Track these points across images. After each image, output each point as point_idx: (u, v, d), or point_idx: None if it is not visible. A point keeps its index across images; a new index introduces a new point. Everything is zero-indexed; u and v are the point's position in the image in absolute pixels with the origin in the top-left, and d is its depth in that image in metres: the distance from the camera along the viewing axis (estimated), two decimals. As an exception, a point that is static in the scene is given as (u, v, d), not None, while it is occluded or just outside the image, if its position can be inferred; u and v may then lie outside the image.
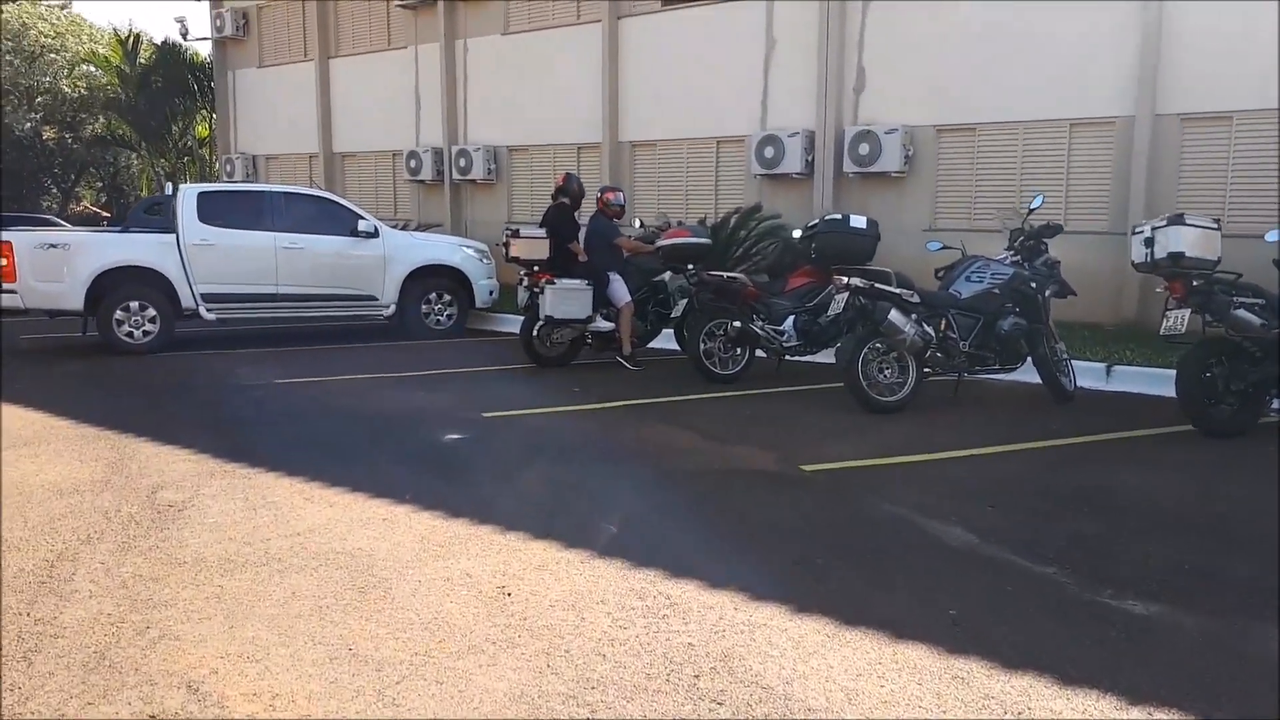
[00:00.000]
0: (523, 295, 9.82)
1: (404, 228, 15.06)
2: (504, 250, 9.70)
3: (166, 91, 22.46)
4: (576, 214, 9.95)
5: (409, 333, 11.85)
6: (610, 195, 9.81)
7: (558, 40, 15.87)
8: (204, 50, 23.75)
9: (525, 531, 4.70)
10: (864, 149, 12.31)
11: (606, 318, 9.75)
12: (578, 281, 9.44)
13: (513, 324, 11.36)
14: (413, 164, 17.65)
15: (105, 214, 33.48)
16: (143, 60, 23.54)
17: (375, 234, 11.56)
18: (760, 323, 8.78)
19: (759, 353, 8.88)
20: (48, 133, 32.48)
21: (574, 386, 8.70)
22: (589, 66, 15.31)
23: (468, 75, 17.22)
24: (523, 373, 9.53)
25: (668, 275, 9.95)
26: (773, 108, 13.48)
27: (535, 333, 9.71)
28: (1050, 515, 5.08)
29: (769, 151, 13.08)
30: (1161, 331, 6.85)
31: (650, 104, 14.83)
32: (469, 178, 16.93)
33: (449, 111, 17.35)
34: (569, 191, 9.81)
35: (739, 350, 8.81)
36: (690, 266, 8.67)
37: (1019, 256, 7.88)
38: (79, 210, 35.61)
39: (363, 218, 11.62)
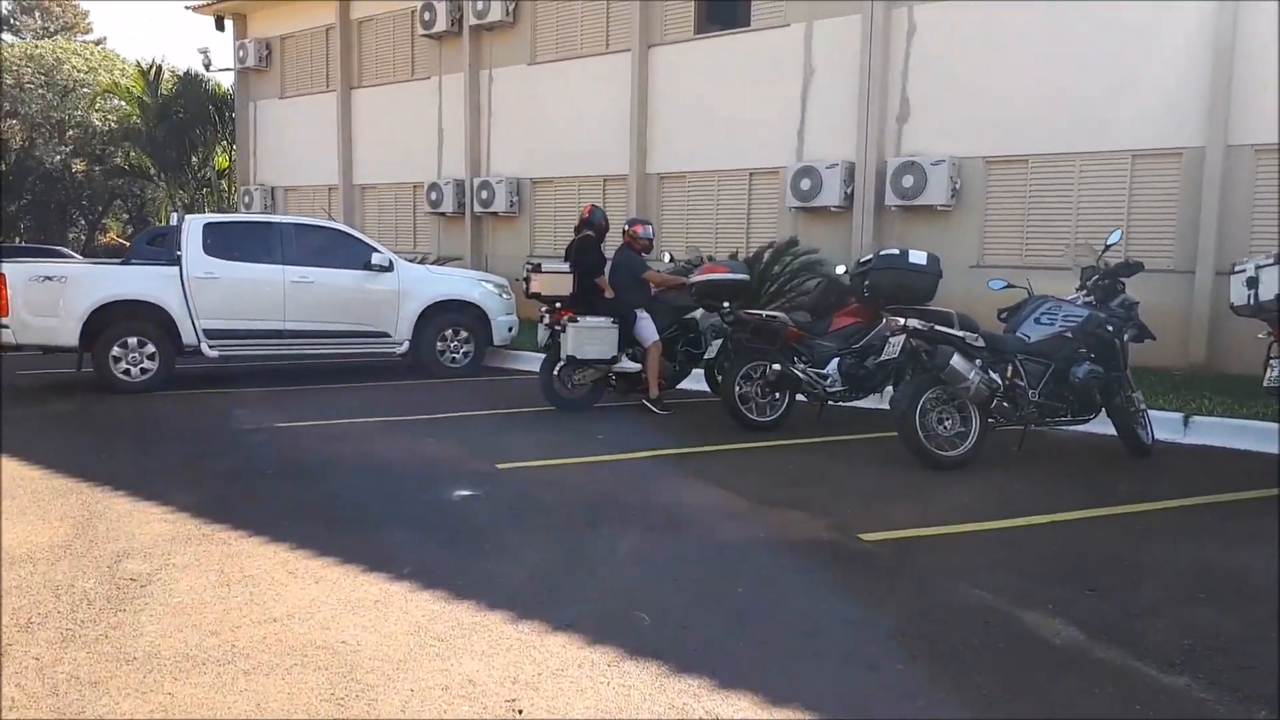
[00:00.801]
0: (543, 333, 9.13)
1: (422, 261, 14.52)
2: (525, 285, 9.03)
3: (187, 122, 22.12)
4: (602, 247, 9.27)
5: (424, 371, 11.18)
6: (639, 228, 9.14)
7: (585, 70, 15.34)
8: (226, 81, 23.48)
9: (541, 621, 3.96)
10: (908, 181, 11.62)
11: (633, 358, 9.05)
12: (602, 319, 8.74)
13: (533, 362, 10.67)
14: (434, 196, 17.12)
15: (129, 245, 33.27)
16: (165, 91, 23.25)
17: (390, 268, 10.93)
18: (802, 365, 8.04)
19: (799, 397, 8.13)
20: (77, 165, 32.39)
21: (597, 434, 7.98)
22: (617, 96, 14.74)
23: (492, 106, 16.72)
24: (542, 417, 8.82)
25: (699, 313, 9.24)
26: (810, 138, 12.82)
27: (556, 373, 9.02)
28: (1162, 604, 4.28)
29: (805, 183, 12.41)
30: (1266, 383, 6.07)
31: (680, 135, 14.22)
32: (491, 210, 16.36)
33: (472, 143, 16.83)
34: (593, 224, 9.14)
35: (778, 395, 8.07)
36: (726, 304, 7.96)
37: (1092, 297, 7.12)
38: (105, 242, 35.47)
39: (376, 250, 11.00)
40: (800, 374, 7.91)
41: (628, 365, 8.95)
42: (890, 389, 8.32)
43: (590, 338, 8.67)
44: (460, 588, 4.33)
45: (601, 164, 15.11)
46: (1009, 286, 7.34)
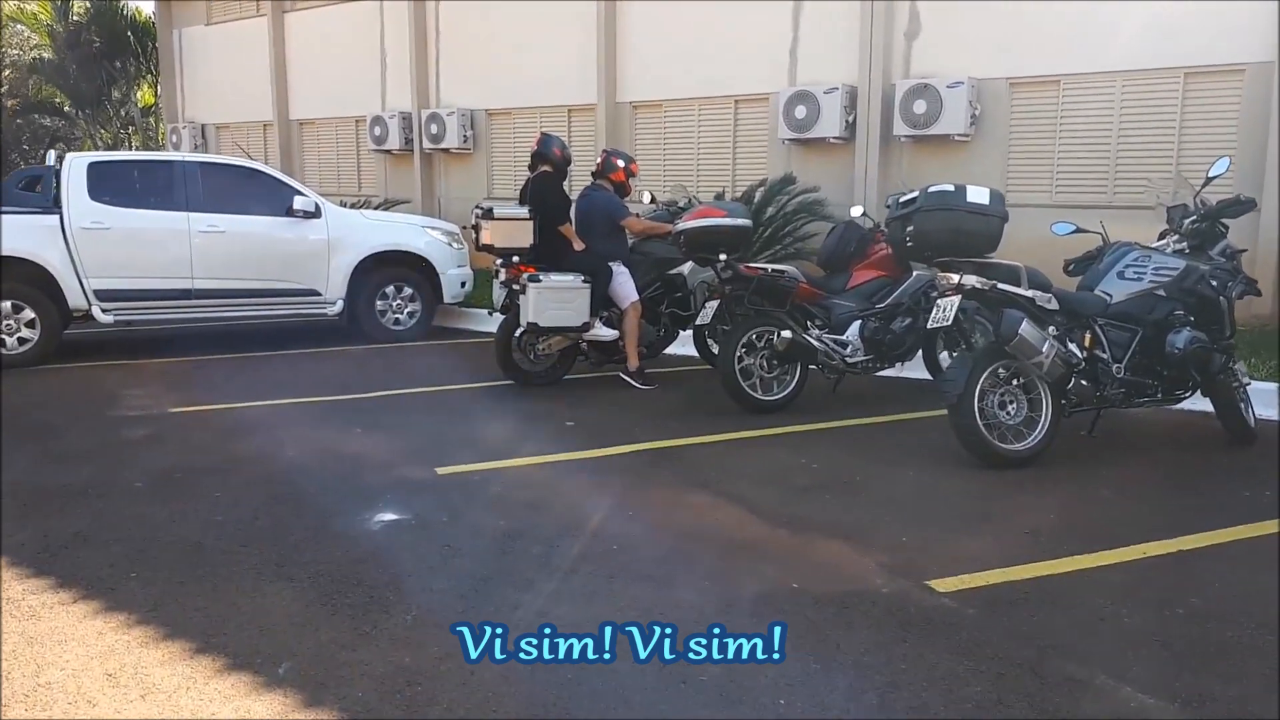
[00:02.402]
0: (499, 294, 7.55)
1: (363, 206, 12.81)
2: (474, 235, 7.43)
3: (103, 52, 19.94)
4: (565, 185, 7.66)
5: (362, 335, 9.58)
6: (634, 166, 7.57)
7: (544, -16, 13.51)
8: (147, 8, 21.24)
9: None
10: (920, 107, 10.04)
11: (608, 322, 7.51)
12: (570, 277, 7.17)
13: (490, 323, 9.09)
14: (377, 131, 15.31)
15: None
16: (76, 17, 20.99)
17: (317, 213, 9.26)
18: (816, 331, 6.54)
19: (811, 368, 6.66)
20: (11, 104, 29.84)
21: (566, 419, 6.46)
22: (582, 13, 12.93)
23: (440, 27, 14.84)
24: (500, 394, 7.28)
25: (688, 267, 7.69)
26: (804, 59, 11.16)
27: (515, 341, 7.47)
28: None
29: (800, 111, 10.79)
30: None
31: (655, 57, 12.49)
32: (441, 146, 14.60)
33: (419, 70, 14.99)
34: (548, 157, 7.48)
35: (787, 368, 6.58)
36: (722, 257, 6.41)
37: (1186, 244, 5.65)
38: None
39: (300, 193, 9.32)
40: (815, 342, 6.42)
41: (602, 332, 7.40)
42: (921, 355, 6.89)
43: (555, 300, 7.10)
44: (362, 703, 2.83)
45: (565, 92, 13.37)
46: (1078, 231, 5.85)
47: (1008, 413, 5.30)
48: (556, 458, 5.53)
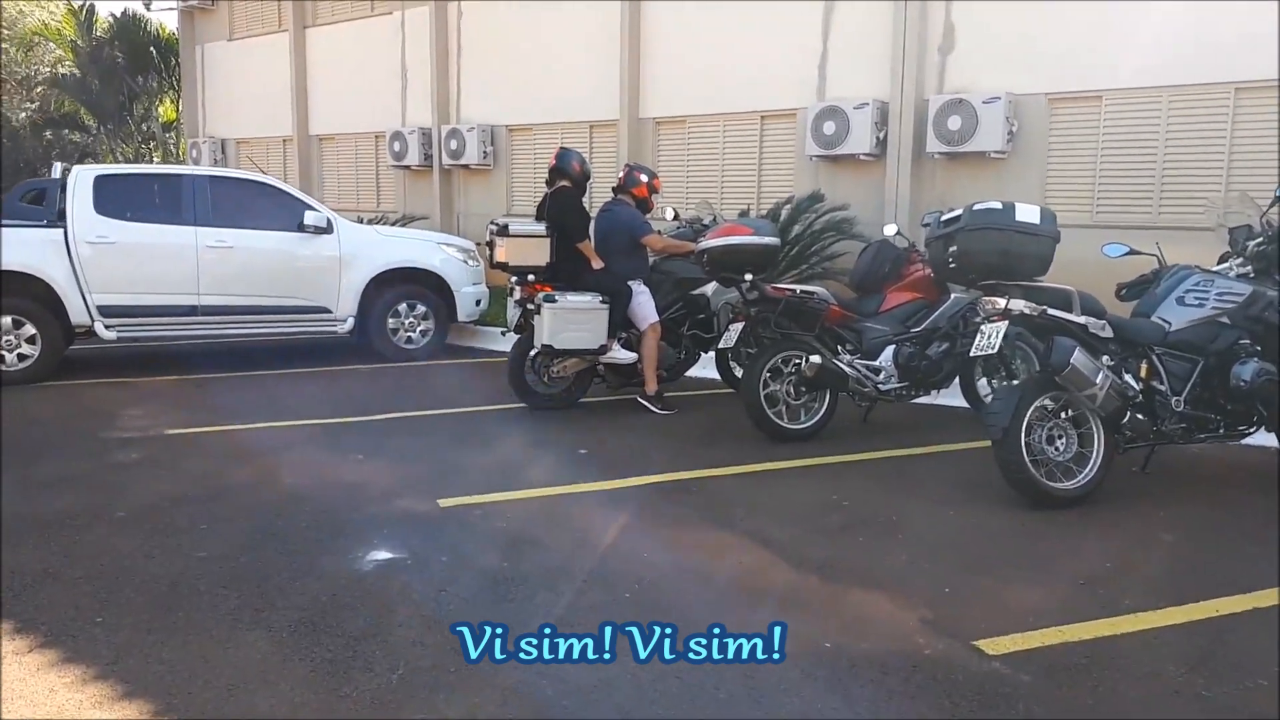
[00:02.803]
0: (513, 312, 7.21)
1: (380, 222, 12.57)
2: (488, 252, 7.10)
3: (126, 67, 19.88)
4: (585, 201, 7.32)
5: (373, 354, 9.26)
6: (656, 181, 7.25)
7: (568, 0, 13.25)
8: (170, 23, 21.23)
9: None
10: (954, 123, 9.64)
11: (626, 345, 7.14)
12: (588, 297, 6.82)
13: (504, 342, 8.72)
14: (397, 147, 15.06)
15: None
16: (99, 33, 20.97)
17: (328, 229, 8.97)
18: (848, 356, 6.15)
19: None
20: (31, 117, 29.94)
21: (579, 446, 6.09)
22: (606, 30, 12.64)
23: (461, 43, 14.60)
24: (511, 419, 6.92)
25: (712, 287, 7.33)
26: (834, 75, 10.80)
27: (529, 363, 7.12)
28: None
29: (829, 127, 10.42)
30: None
31: (679, 73, 12.17)
32: (461, 163, 14.32)
33: (439, 85, 14.74)
34: (567, 171, 7.14)
35: (815, 395, 6.18)
36: (748, 277, 6.03)
37: (1251, 267, 5.22)
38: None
39: (312, 208, 9.03)
40: (846, 367, 6.02)
41: (620, 355, 7.04)
42: (958, 382, 6.48)
43: (572, 321, 6.75)
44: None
45: (588, 108, 13.06)
46: (1132, 253, 5.44)
47: (1056, 448, 4.88)
48: (568, 489, 5.16)
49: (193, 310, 8.61)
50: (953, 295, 6.33)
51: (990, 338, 4.80)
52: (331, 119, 16.92)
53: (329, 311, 9.05)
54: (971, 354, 4.90)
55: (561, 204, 7.05)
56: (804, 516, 4.72)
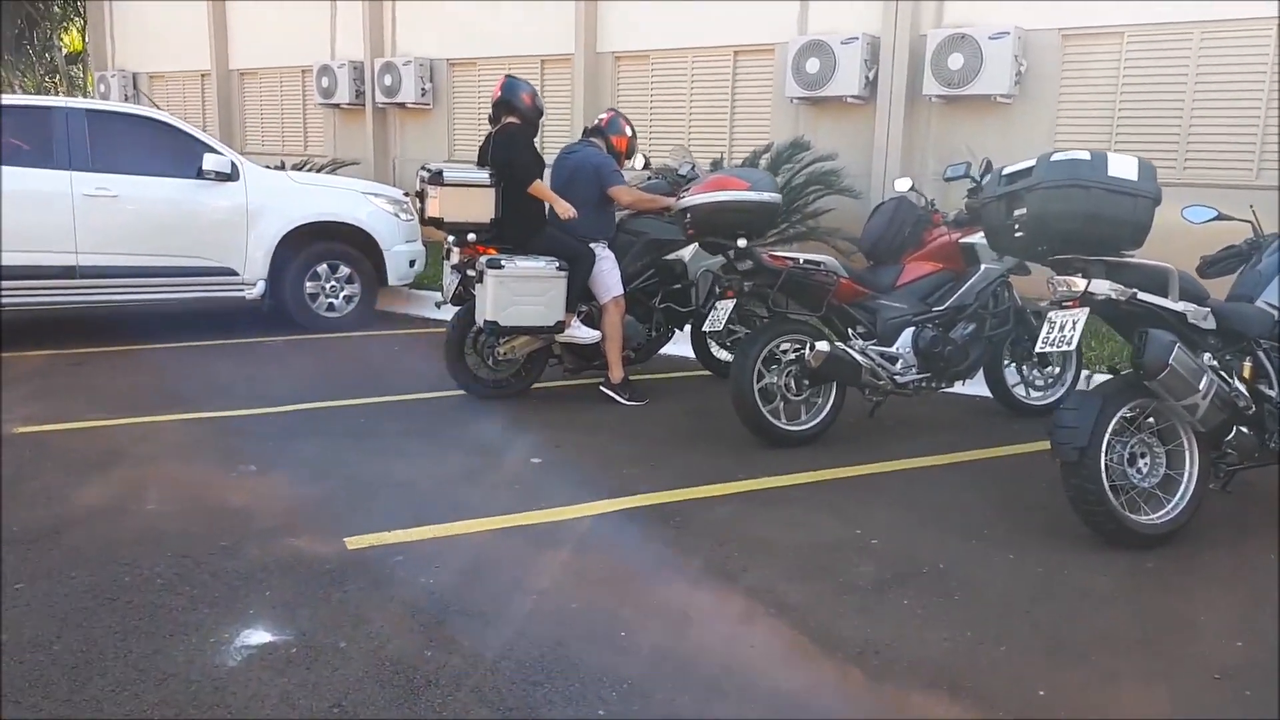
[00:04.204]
0: (450, 281, 5.99)
1: (303, 168, 11.17)
2: (418, 204, 5.87)
3: (23, -10, 17.97)
4: (538, 141, 6.08)
5: (288, 322, 7.96)
6: (638, 141, 6.08)
7: (515, -85, 11.79)
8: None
9: None
10: (955, 61, 8.51)
11: (588, 320, 5.98)
12: (541, 262, 5.62)
13: (446, 309, 7.49)
14: (325, 83, 13.56)
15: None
16: (-7, -50, 18.92)
17: (233, 175, 7.60)
18: (860, 342, 5.03)
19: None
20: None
21: (530, 453, 4.92)
22: (557, -50, 11.27)
23: (397, -34, 13.11)
24: (447, 412, 5.74)
25: (688, 251, 6.15)
26: (818, 5, 9.57)
27: (470, 342, 5.92)
28: None
29: (813, 65, 9.23)
30: None
31: (642, 1, 10.83)
32: (397, 100, 12.88)
33: (372, 14, 13.22)
34: (514, 105, 5.88)
35: (819, 389, 5.08)
36: (741, 242, 4.86)
37: (1372, 237, 4.18)
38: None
39: (213, 150, 7.65)
40: (858, 355, 4.90)
41: (580, 333, 5.87)
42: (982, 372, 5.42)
43: (522, 293, 5.55)
44: None
45: (539, 41, 11.69)
46: (1220, 218, 4.36)
47: (1138, 469, 3.84)
48: (514, 520, 4.00)
49: (69, 272, 7.23)
50: (983, 266, 5.24)
51: (1065, 329, 3.70)
52: (254, 52, 15.32)
53: (234, 273, 7.71)
54: (1039, 350, 3.80)
55: (507, 143, 5.79)
56: (823, 564, 3.62)
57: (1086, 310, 3.68)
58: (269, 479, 4.47)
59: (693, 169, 6.38)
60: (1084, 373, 5.83)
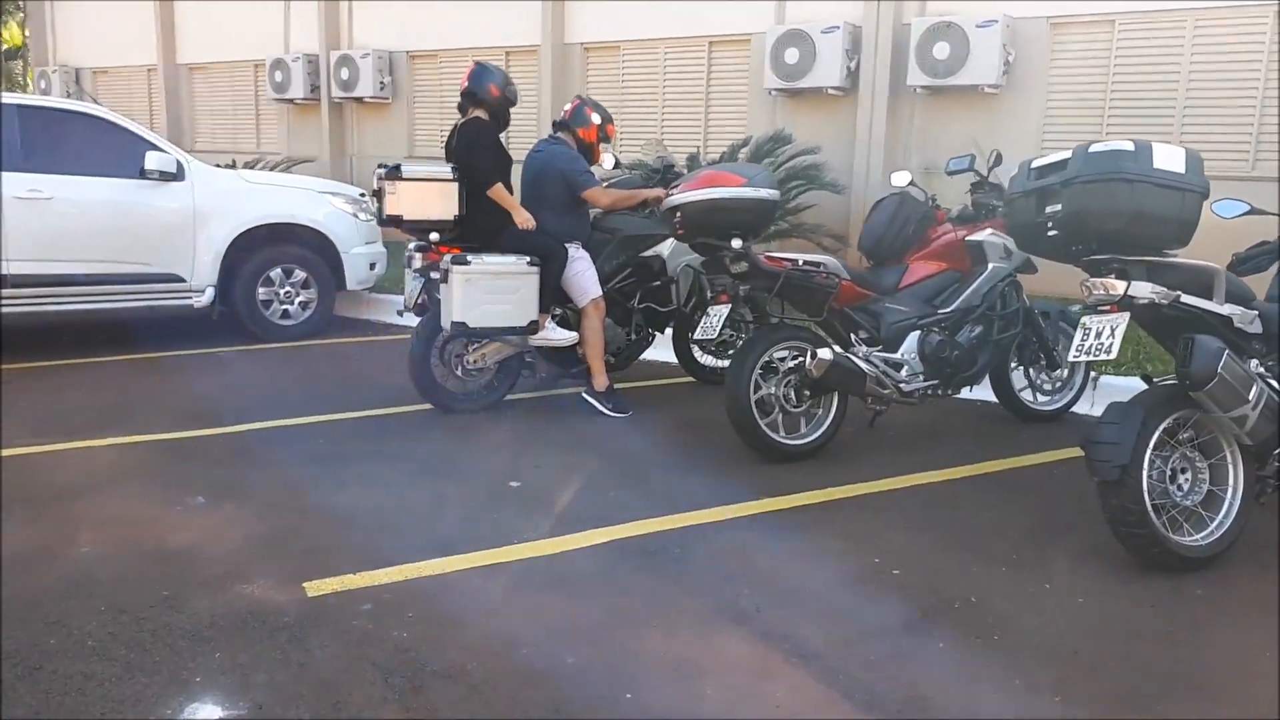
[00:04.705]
0: (412, 287, 5.56)
1: (255, 167, 10.64)
2: (376, 203, 5.43)
3: (-43, -18, 17.15)
4: (505, 136, 5.65)
5: (239, 332, 7.47)
6: (610, 128, 5.66)
7: (475, -99, 11.32)
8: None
9: None
10: (941, 50, 8.22)
11: (564, 322, 5.58)
12: (509, 259, 5.20)
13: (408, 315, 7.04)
14: (279, 77, 13.02)
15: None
16: (-75, -60, 18.07)
17: (178, 174, 7.09)
18: (864, 348, 4.67)
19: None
20: None
21: (508, 474, 4.51)
22: (520, -64, 10.82)
23: (352, -45, 12.59)
24: (413, 429, 5.30)
25: (667, 247, 5.77)
26: (795, -9, 9.24)
27: (438, 350, 5.49)
28: None
29: (792, 55, 8.89)
30: None
31: (610, -11, 10.45)
32: (354, 95, 12.38)
33: (327, 4, 12.68)
34: (480, 96, 5.46)
35: (820, 399, 4.71)
36: (735, 243, 4.47)
37: None
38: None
39: (156, 148, 7.12)
40: (863, 363, 4.54)
41: (555, 334, 5.46)
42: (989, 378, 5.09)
43: (491, 290, 5.14)
44: None
45: (504, 31, 11.25)
46: (1253, 212, 4.04)
47: (1180, 486, 3.51)
48: (495, 556, 3.59)
49: (-1, 280, 6.69)
50: (990, 265, 4.90)
51: (1103, 336, 3.36)
52: (203, 45, 14.70)
53: (181, 280, 7.19)
54: (1072, 359, 3.45)
55: (470, 137, 5.37)
56: (843, 601, 3.25)
57: (1127, 315, 3.34)
58: (218, 513, 4.01)
59: (672, 167, 5.99)
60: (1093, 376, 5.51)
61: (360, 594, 3.28)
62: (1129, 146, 3.29)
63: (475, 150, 5.30)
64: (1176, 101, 7.68)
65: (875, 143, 8.74)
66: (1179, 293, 3.34)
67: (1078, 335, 3.45)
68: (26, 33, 17.88)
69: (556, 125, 5.73)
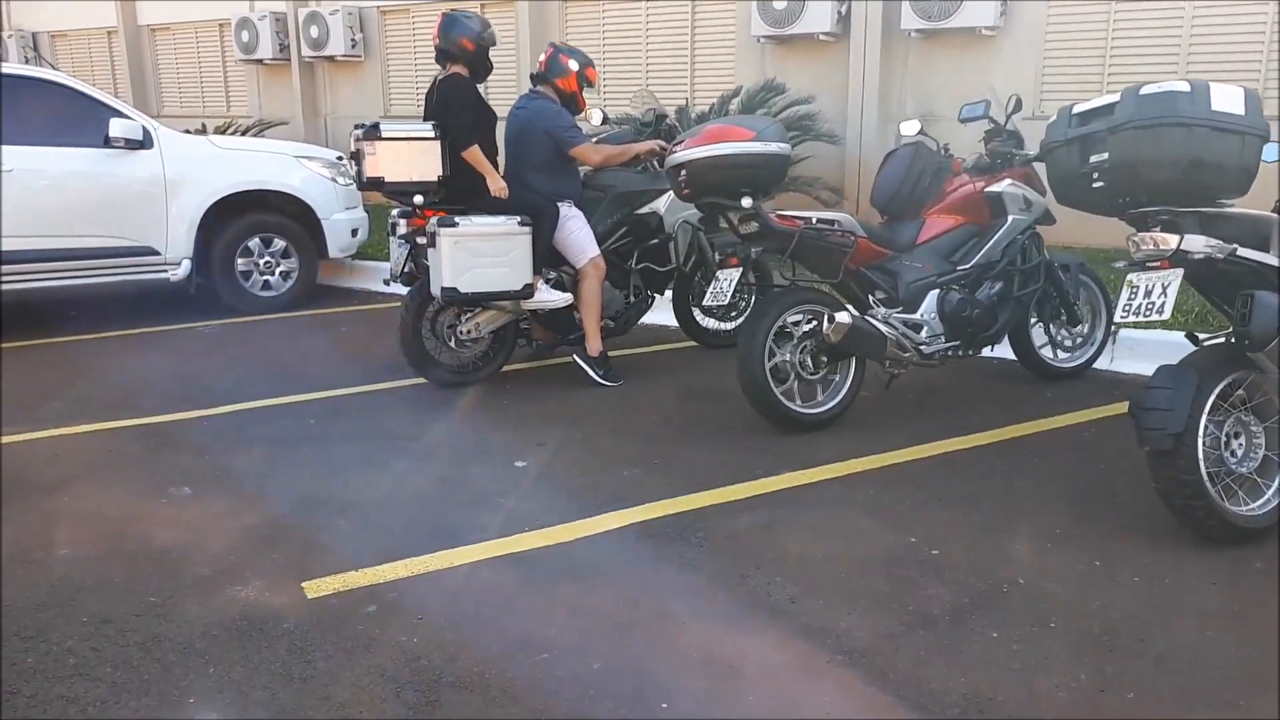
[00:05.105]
0: (397, 254, 5.28)
1: (227, 131, 10.24)
2: (355, 166, 5.12)
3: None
4: (484, 89, 5.33)
5: (218, 306, 7.15)
6: (590, 72, 5.33)
7: None
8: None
9: None
10: (937, -9, 7.89)
11: (558, 284, 5.31)
12: (499, 219, 4.92)
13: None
14: (245, 37, 12.51)
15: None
16: None
17: (146, 142, 6.73)
18: (882, 310, 4.44)
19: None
20: None
21: (512, 453, 4.26)
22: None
23: (316, -95, 12.05)
24: (407, 405, 5.04)
25: (664, 203, 5.49)
26: (782, -68, 8.85)
27: (429, 321, 5.21)
28: None
29: (779, 2, 8.53)
30: None
31: (588, -64, 10.04)
32: (325, 54, 11.92)
33: (292, -41, 12.18)
34: (454, 50, 5.12)
35: (837, 365, 4.48)
36: (746, 202, 4.19)
37: None
38: None
39: (121, 114, 6.75)
40: (882, 326, 4.31)
41: (548, 296, 5.19)
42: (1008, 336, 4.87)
43: (482, 254, 4.87)
44: None
45: (477, -17, 10.82)
46: (1297, 155, 3.81)
47: (1233, 452, 3.30)
48: (505, 546, 3.35)
49: (-39, 258, 6.34)
50: (1010, 217, 4.66)
51: (1154, 295, 3.13)
52: (164, 5, 14.12)
53: (155, 253, 6.87)
54: (1119, 319, 3.22)
55: (445, 95, 5.05)
56: (883, 587, 3.04)
57: (1180, 272, 3.11)
58: (206, 505, 3.75)
59: (664, 118, 5.69)
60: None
61: (363, 594, 3.04)
62: (1184, 87, 3.03)
63: (451, 109, 4.98)
64: (1182, 40, 7.41)
65: (869, 90, 8.44)
66: (1235, 245, 3.11)
67: (1124, 294, 3.22)
68: (-22, -5, 17.16)
69: (535, 79, 5.40)
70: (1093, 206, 3.37)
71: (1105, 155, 3.12)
